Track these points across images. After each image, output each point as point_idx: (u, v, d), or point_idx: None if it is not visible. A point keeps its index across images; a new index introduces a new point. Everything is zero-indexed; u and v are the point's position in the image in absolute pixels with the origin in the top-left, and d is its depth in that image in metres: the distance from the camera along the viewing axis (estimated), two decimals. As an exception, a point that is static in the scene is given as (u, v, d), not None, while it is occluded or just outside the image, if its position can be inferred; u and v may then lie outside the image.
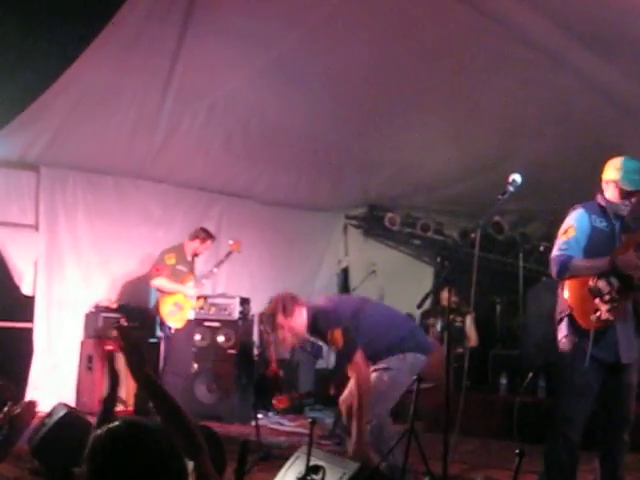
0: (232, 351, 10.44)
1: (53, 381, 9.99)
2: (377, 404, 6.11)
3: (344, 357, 6.18)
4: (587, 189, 6.61)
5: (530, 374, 10.26)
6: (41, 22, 6.74)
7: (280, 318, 6.25)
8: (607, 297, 5.18)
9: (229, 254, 10.02)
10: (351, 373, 6.22)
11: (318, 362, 12.18)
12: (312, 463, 4.68)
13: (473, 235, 5.65)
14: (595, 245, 5.37)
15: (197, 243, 9.84)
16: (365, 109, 9.14)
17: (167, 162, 10.29)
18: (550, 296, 10.82)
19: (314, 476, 4.57)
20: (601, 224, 5.41)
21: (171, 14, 7.12)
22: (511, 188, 5.41)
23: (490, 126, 9.20)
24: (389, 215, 12.54)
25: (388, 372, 6.19)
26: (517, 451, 3.78)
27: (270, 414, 10.37)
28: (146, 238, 10.94)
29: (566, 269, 5.30)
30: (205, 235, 9.89)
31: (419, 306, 5.78)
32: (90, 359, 10.08)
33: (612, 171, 5.42)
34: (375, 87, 8.58)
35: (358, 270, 12.86)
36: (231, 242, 10.03)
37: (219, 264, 10.00)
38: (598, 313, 5.16)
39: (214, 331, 10.33)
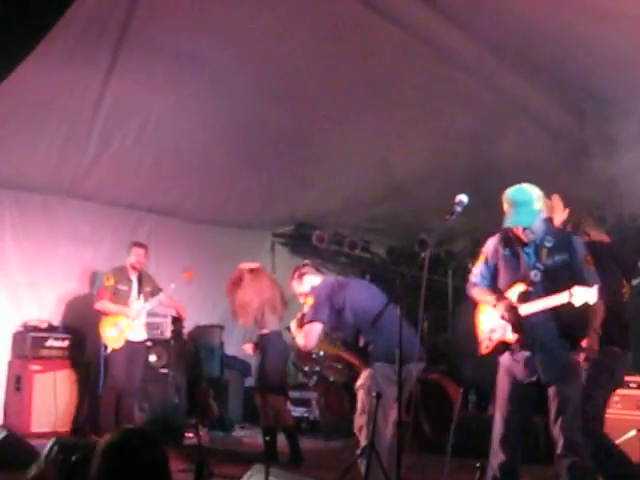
0: (164, 370, 10.38)
1: (-21, 402, 9.76)
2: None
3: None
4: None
5: (460, 389, 10.42)
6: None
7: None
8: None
9: (180, 281, 9.96)
10: (298, 332, 6.70)
11: (247, 380, 12.18)
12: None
13: (423, 255, 5.68)
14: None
15: (130, 257, 9.80)
16: (294, 129, 9.19)
17: (96, 180, 10.19)
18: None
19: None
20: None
21: (106, 33, 7.07)
22: (459, 208, 5.50)
23: (418, 146, 9.30)
24: (316, 233, 12.60)
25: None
26: (477, 465, 3.85)
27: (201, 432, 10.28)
28: (75, 257, 10.83)
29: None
30: (132, 245, 9.87)
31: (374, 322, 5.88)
32: (18, 379, 9.90)
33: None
34: (305, 106, 8.64)
35: (285, 288, 12.83)
36: (185, 271, 9.98)
37: (168, 290, 9.96)
38: None
39: (145, 350, 10.18)
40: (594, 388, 6.02)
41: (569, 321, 5.40)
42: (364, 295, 6.83)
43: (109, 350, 9.47)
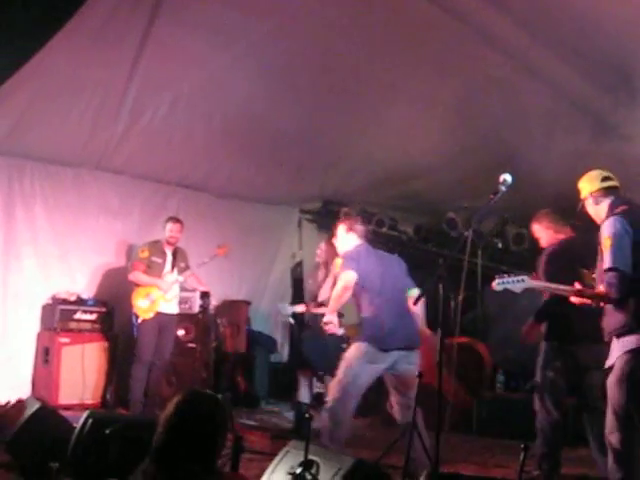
0: (192, 344, 10.42)
1: (8, 373, 9.82)
2: (337, 391, 6.51)
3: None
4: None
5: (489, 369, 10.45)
6: (5, 9, 6.64)
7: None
8: None
9: (214, 256, 9.99)
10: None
11: (273, 356, 12.22)
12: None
13: (466, 234, 5.66)
14: None
15: (165, 232, 9.90)
16: (324, 106, 9.15)
17: (126, 153, 10.17)
18: (507, 293, 10.99)
19: (307, 472, 4.56)
20: None
21: (139, 6, 7.07)
22: (503, 188, 5.49)
23: (446, 123, 9.25)
24: (344, 210, 12.56)
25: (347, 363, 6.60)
26: (522, 445, 3.82)
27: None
28: (105, 230, 10.85)
29: None
30: (168, 220, 9.96)
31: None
32: (47, 351, 9.94)
33: None
34: (335, 84, 8.59)
35: (312, 264, 12.86)
36: (219, 246, 10.00)
37: (201, 264, 9.96)
38: None
39: (176, 323, 10.23)
40: None
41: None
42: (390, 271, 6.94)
43: (140, 321, 9.51)
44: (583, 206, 5.90)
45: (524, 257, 11.70)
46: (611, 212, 5.57)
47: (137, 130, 9.45)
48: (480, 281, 11.24)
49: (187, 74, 8.41)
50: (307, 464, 4.59)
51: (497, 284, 5.95)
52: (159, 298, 9.60)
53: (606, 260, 5.34)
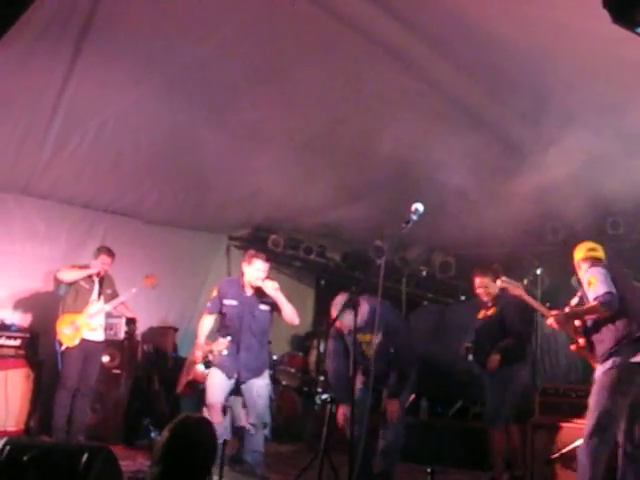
0: (117, 371, 10.37)
1: None
2: None
3: None
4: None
5: (412, 396, 10.53)
6: None
7: None
8: None
9: (141, 287, 9.97)
10: None
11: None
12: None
13: (379, 262, 5.79)
14: None
15: (96, 262, 9.83)
16: (249, 134, 9.22)
17: (53, 179, 10.12)
18: (431, 320, 11.22)
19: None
20: None
21: (67, 31, 7.08)
22: (414, 217, 5.65)
23: (371, 153, 9.36)
24: (272, 237, 12.64)
25: None
26: (428, 470, 3.92)
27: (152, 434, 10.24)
28: (31, 255, 10.73)
29: None
30: (100, 252, 9.89)
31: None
32: (-33, 379, 9.81)
33: None
34: (261, 113, 8.68)
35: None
36: (147, 276, 9.97)
37: (129, 294, 9.93)
38: None
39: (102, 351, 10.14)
40: None
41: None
42: None
43: (64, 348, 9.43)
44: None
45: (450, 285, 11.89)
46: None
47: (64, 156, 9.40)
48: (405, 307, 11.40)
49: (114, 101, 8.41)
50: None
51: (502, 281, 7.25)
52: (84, 326, 9.53)
53: (597, 290, 6.29)
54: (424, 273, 11.84)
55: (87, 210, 11.38)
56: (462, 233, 10.21)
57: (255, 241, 12.99)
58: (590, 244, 6.98)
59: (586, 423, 6.25)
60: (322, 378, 10.71)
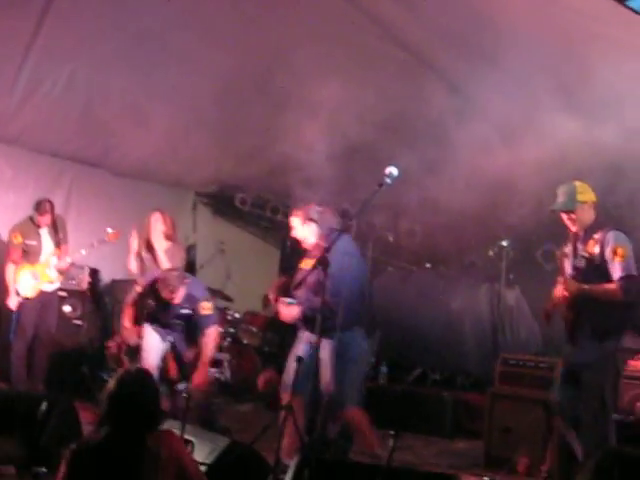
0: (78, 321, 10.32)
1: None
2: None
3: None
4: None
5: (372, 360, 10.59)
6: None
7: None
8: None
9: (102, 241, 9.77)
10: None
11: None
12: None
13: (350, 223, 5.76)
14: None
15: (35, 214, 9.59)
16: (223, 89, 9.15)
17: (22, 125, 9.99)
18: (396, 285, 11.17)
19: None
20: None
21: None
22: (388, 180, 5.59)
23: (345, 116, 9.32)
24: (240, 195, 12.60)
25: None
26: (392, 432, 3.93)
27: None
28: (-3, 201, 10.64)
29: None
30: (37, 205, 9.60)
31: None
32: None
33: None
34: (236, 67, 8.62)
35: (205, 248, 12.85)
36: (110, 231, 9.79)
37: (89, 248, 9.76)
38: None
39: (60, 300, 10.10)
40: None
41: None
42: None
43: (20, 299, 9.35)
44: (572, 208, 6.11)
45: (415, 252, 11.91)
46: (610, 227, 6.03)
47: (33, 102, 9.31)
48: (370, 273, 11.39)
49: (86, 50, 8.34)
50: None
51: None
52: (44, 278, 9.45)
53: (627, 267, 5.81)
54: (390, 239, 11.82)
55: (55, 159, 11.24)
56: (427, 200, 10.19)
57: (222, 199, 12.95)
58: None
59: (585, 403, 5.87)
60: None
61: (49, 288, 9.57)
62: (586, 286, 5.86)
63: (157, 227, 9.30)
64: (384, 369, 10.41)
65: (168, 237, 9.32)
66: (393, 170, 5.59)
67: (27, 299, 9.37)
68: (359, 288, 6.72)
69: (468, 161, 8.25)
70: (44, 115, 9.68)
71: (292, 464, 4.32)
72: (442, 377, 10.60)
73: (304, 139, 9.81)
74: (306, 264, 6.79)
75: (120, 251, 11.23)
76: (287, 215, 12.72)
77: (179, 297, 8.01)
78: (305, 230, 7.08)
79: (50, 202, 9.65)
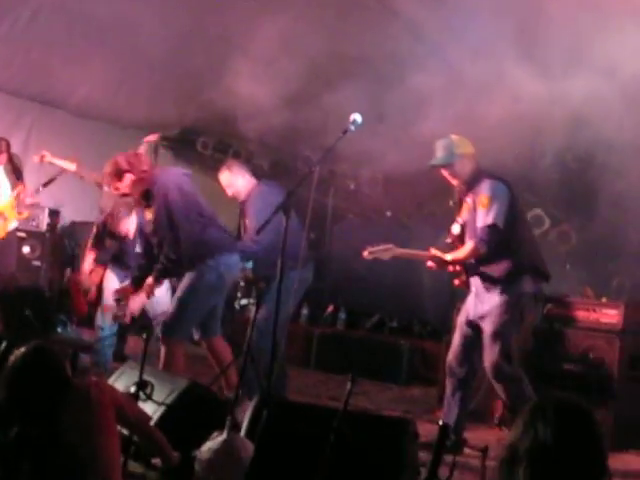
0: (37, 263, 10.28)
1: None
2: None
3: None
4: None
5: (330, 306, 10.69)
6: None
7: None
8: None
9: (61, 173, 9.72)
10: None
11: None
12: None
13: (313, 169, 5.75)
14: None
15: None
16: (189, 31, 9.08)
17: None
18: (356, 234, 11.25)
19: (142, 391, 4.65)
20: None
21: None
22: (352, 127, 5.58)
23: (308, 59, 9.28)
24: (201, 139, 12.55)
25: None
26: (350, 375, 3.98)
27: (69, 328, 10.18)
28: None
29: None
30: None
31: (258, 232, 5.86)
32: None
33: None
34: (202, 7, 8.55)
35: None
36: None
37: (47, 183, 9.69)
38: None
39: (20, 241, 10.05)
40: None
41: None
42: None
43: None
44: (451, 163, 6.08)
45: (376, 201, 11.94)
46: (485, 176, 5.97)
47: (-6, 39, 9.19)
48: (329, 221, 11.44)
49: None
50: (141, 384, 4.69)
51: (369, 253, 6.18)
52: (11, 217, 9.36)
53: (485, 217, 5.78)
54: (351, 187, 11.84)
55: (15, 98, 11.12)
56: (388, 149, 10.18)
57: (184, 142, 12.88)
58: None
59: (489, 349, 5.93)
60: (242, 284, 10.74)
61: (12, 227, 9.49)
62: (448, 257, 5.97)
63: None
64: (342, 315, 10.52)
65: None
66: (357, 117, 5.58)
67: None
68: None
69: (429, 111, 8.27)
70: (5, 53, 9.56)
71: (251, 405, 4.38)
72: (399, 325, 10.69)
73: (257, 84, 9.81)
74: None
75: (80, 193, 11.22)
76: (249, 160, 12.78)
77: (130, 231, 8.03)
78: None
79: (6, 140, 9.56)
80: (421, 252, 6.29)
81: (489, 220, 5.74)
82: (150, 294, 6.65)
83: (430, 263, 6.07)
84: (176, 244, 6.52)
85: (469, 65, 7.57)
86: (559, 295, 7.27)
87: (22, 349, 3.83)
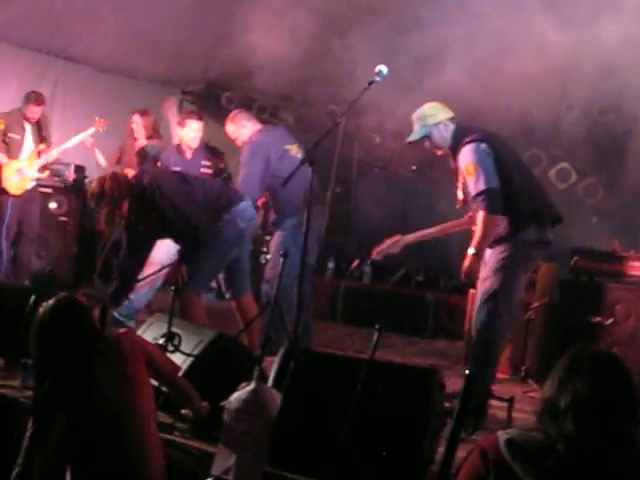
0: (64, 218, 10.31)
1: None
2: None
3: None
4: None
5: (357, 260, 10.70)
6: None
7: None
8: None
9: (90, 132, 9.68)
10: None
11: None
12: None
13: (339, 121, 5.72)
14: None
15: (26, 108, 9.37)
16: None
17: (5, 18, 9.86)
18: (381, 188, 11.22)
19: (170, 343, 4.69)
20: None
21: None
22: (377, 78, 5.48)
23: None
24: (226, 94, 12.50)
25: None
26: (377, 326, 3.99)
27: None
28: (-20, 96, 10.46)
29: None
30: (27, 99, 9.37)
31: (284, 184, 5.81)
32: None
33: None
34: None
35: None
36: (98, 119, 9.72)
37: (79, 140, 9.70)
38: None
39: (46, 197, 10.09)
40: None
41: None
42: None
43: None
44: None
45: (400, 154, 11.90)
46: (463, 140, 5.66)
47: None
48: (355, 174, 11.42)
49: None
50: (170, 335, 4.72)
51: (377, 254, 6.20)
52: (30, 175, 9.35)
53: (476, 185, 5.49)
54: (377, 140, 11.79)
55: (39, 54, 11.11)
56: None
57: (208, 97, 12.84)
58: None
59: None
60: (268, 238, 10.77)
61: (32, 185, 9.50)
62: (471, 251, 5.53)
63: (138, 130, 9.32)
64: (368, 269, 10.53)
65: (149, 137, 9.33)
66: (383, 68, 5.47)
67: (7, 196, 9.26)
68: None
69: (455, 64, 8.19)
70: (27, 8, 9.55)
71: (277, 356, 4.40)
72: (425, 278, 10.71)
73: (275, 37, 9.75)
74: None
75: (108, 148, 11.21)
76: (273, 115, 12.75)
77: None
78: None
79: (42, 95, 9.55)
80: (432, 229, 6.25)
81: (481, 186, 5.45)
82: None
83: (464, 271, 5.61)
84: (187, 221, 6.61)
85: (495, 15, 7.50)
86: (586, 248, 7.24)
87: (50, 302, 3.83)
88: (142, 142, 9.29)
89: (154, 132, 9.41)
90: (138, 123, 9.38)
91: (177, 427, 4.54)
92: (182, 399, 4.42)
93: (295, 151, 7.26)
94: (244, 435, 4.01)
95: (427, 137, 5.80)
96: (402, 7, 8.29)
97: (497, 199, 5.46)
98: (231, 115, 7.62)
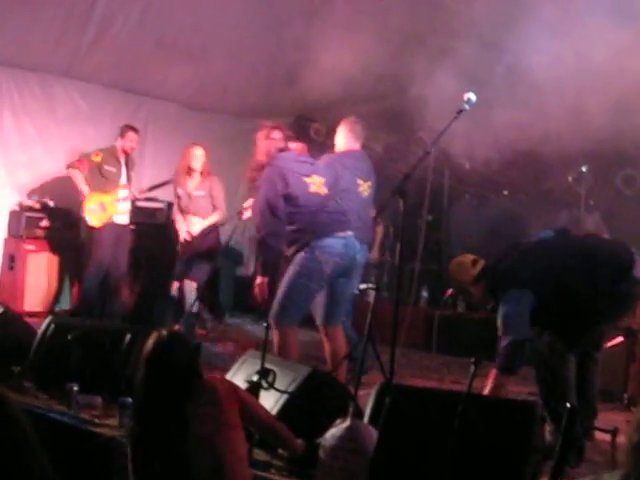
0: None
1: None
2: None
3: None
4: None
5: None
6: None
7: None
8: None
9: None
10: None
11: (238, 269, 12.27)
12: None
13: (428, 151, 5.67)
14: None
15: (123, 141, 9.63)
16: (298, 21, 9.10)
17: (96, 62, 10.06)
18: (473, 214, 11.11)
19: (264, 379, 4.67)
20: None
21: None
22: (467, 106, 5.43)
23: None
24: (315, 125, 12.53)
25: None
26: (473, 360, 3.92)
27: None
28: (76, 135, 10.69)
29: None
30: (125, 129, 9.67)
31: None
32: (12, 258, 9.98)
33: None
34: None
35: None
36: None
37: (155, 187, 9.89)
38: None
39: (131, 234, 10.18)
40: None
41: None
42: None
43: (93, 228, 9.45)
44: None
45: (492, 180, 11.77)
46: None
47: (107, 38, 9.37)
48: (446, 202, 11.31)
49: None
50: (264, 372, 4.70)
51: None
52: (112, 209, 9.49)
53: None
54: (467, 166, 11.66)
55: (130, 94, 11.33)
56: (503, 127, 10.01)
57: (297, 129, 12.89)
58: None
59: None
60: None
61: (120, 221, 9.65)
62: None
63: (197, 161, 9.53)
64: (424, 294, 10.50)
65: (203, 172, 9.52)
66: (471, 96, 5.42)
67: (99, 231, 9.43)
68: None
69: (543, 87, 8.07)
70: (117, 51, 9.73)
71: (373, 392, 4.36)
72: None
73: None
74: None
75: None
76: (362, 145, 12.73)
77: None
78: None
79: (138, 132, 9.80)
80: None
81: None
82: None
83: None
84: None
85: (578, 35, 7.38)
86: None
87: (157, 337, 3.87)
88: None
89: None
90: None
91: (273, 464, 4.51)
92: (277, 442, 4.40)
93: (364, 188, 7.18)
94: (340, 472, 3.98)
95: None
96: (489, 30, 8.17)
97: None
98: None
